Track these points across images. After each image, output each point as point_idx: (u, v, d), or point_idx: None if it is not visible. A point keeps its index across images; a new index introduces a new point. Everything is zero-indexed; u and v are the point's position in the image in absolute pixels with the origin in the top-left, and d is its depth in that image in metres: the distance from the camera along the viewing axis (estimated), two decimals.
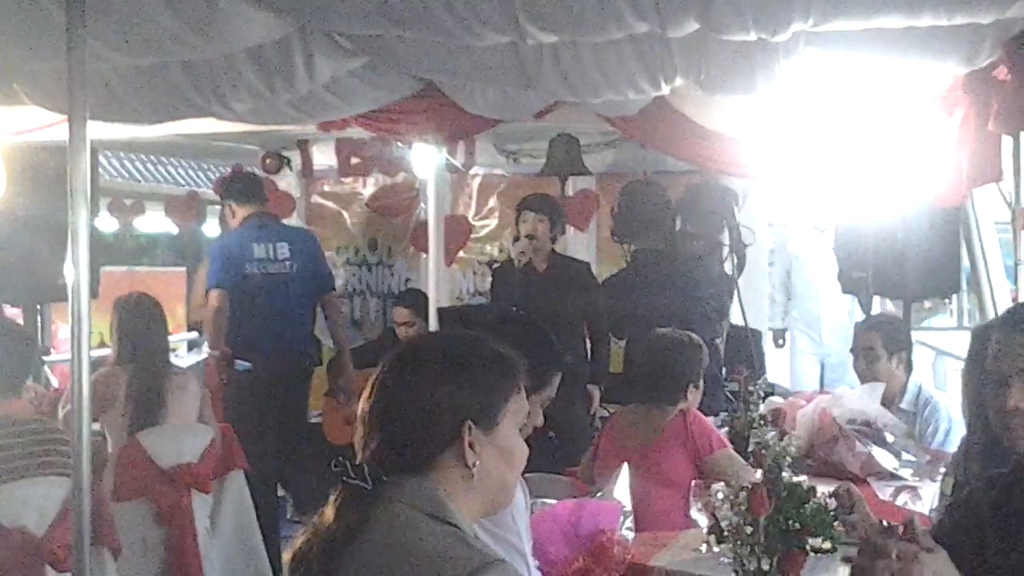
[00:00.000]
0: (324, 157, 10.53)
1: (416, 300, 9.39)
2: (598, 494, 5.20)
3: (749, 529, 4.12)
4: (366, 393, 2.64)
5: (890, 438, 6.00)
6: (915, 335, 7.26)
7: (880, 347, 6.57)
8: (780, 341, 10.32)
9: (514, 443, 2.68)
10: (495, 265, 9.47)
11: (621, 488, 5.19)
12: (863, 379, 6.69)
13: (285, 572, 2.57)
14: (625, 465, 5.32)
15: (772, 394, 6.89)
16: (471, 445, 2.56)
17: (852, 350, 6.88)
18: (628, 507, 5.07)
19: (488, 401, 2.61)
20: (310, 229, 10.01)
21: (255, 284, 8.61)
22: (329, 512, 2.54)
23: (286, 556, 2.57)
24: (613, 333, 8.36)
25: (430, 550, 2.42)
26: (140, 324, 6.91)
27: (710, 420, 6.25)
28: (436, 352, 2.69)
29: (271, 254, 8.72)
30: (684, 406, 5.88)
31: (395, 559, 2.42)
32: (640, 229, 8.54)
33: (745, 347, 8.28)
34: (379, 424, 2.59)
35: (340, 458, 2.54)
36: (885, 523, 4.80)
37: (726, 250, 8.74)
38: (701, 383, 6.01)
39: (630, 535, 4.95)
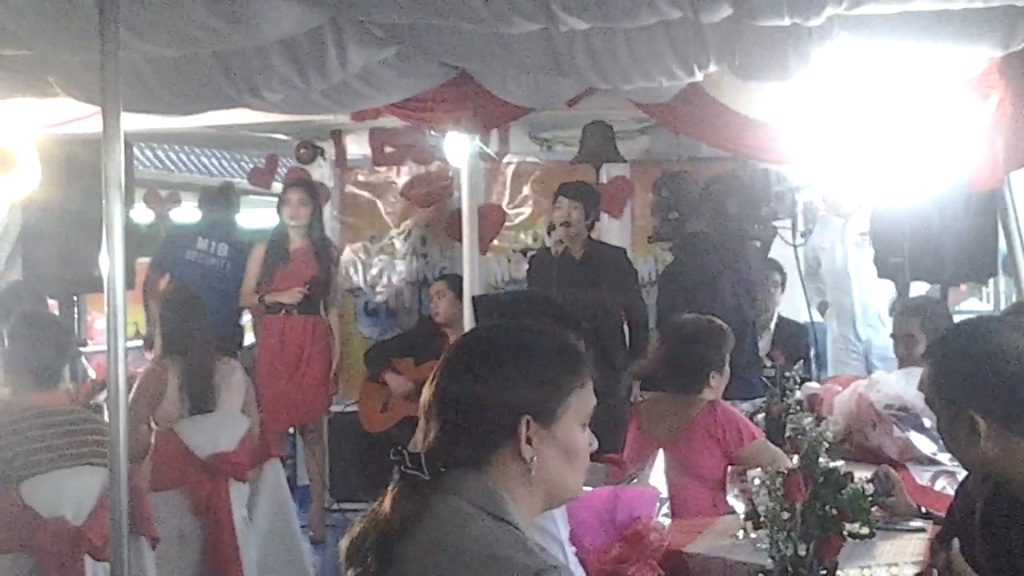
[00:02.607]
0: (358, 147, 10.54)
1: (453, 281, 9.39)
2: (633, 481, 5.19)
3: (786, 515, 4.11)
4: (428, 382, 2.60)
5: (928, 423, 5.96)
6: None
7: (919, 331, 6.51)
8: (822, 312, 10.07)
9: (576, 439, 2.60)
10: (531, 253, 9.45)
11: (656, 475, 5.19)
12: (903, 364, 6.65)
13: (341, 559, 2.54)
14: (661, 451, 5.31)
15: (809, 380, 6.86)
16: (529, 440, 2.50)
17: (892, 335, 6.84)
18: (664, 494, 5.07)
19: (548, 395, 2.55)
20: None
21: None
22: (387, 502, 2.50)
23: (343, 543, 2.52)
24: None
25: (486, 549, 2.37)
26: (184, 317, 6.95)
27: (746, 406, 6.23)
28: (497, 342, 2.64)
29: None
30: (709, 394, 5.84)
31: (451, 555, 2.38)
32: (686, 216, 8.46)
33: (792, 341, 8.22)
34: (438, 414, 2.55)
35: (399, 447, 2.51)
36: (923, 510, 4.84)
37: (771, 232, 8.67)
38: (726, 369, 5.96)
39: (666, 522, 4.95)
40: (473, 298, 8.91)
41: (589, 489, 4.91)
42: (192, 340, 6.87)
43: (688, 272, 8.10)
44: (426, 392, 2.60)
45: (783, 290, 8.78)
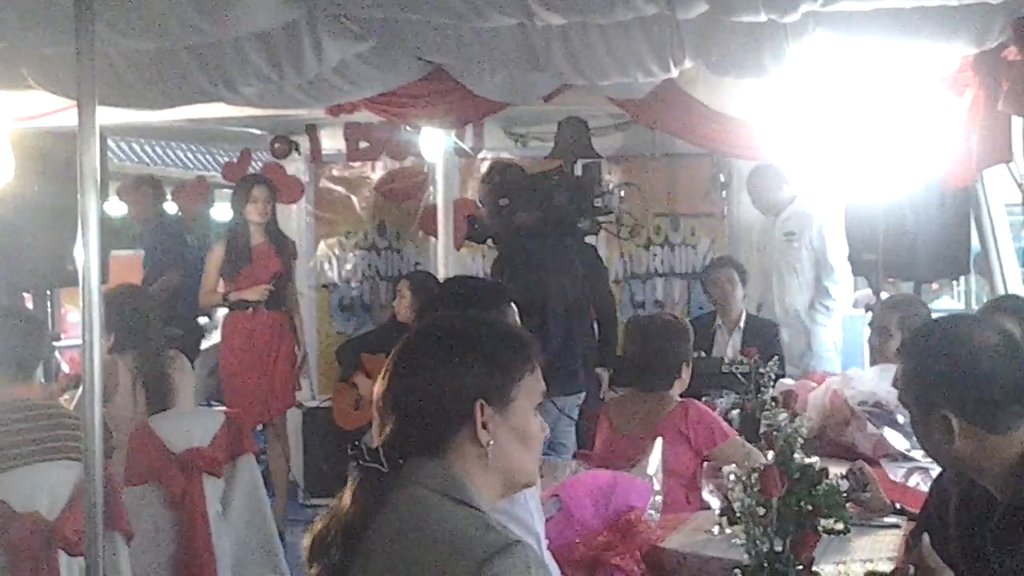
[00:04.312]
0: (333, 141, 10.52)
1: (420, 279, 9.32)
2: (631, 470, 5.20)
3: (761, 510, 4.12)
4: (380, 377, 2.64)
5: (901, 419, 5.97)
6: None
7: (895, 327, 6.52)
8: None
9: (530, 423, 2.65)
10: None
11: (651, 469, 5.20)
12: (874, 354, 6.68)
13: (304, 556, 2.56)
14: (659, 443, 5.31)
15: (783, 376, 6.86)
16: (484, 424, 2.55)
17: (870, 324, 6.86)
18: (658, 487, 5.08)
19: (500, 380, 2.60)
20: None
21: None
22: (347, 496, 2.54)
23: (305, 540, 2.56)
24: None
25: (449, 531, 2.40)
26: (134, 312, 6.92)
27: (722, 401, 6.24)
28: (445, 333, 2.69)
29: None
30: (679, 386, 5.87)
31: (414, 541, 2.41)
32: (516, 206, 8.27)
33: (762, 338, 8.21)
34: (392, 407, 2.59)
35: (356, 442, 2.54)
36: (897, 506, 4.86)
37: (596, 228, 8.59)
38: (691, 362, 5.99)
39: (656, 516, 4.96)
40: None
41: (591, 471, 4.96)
42: (143, 336, 6.85)
43: (516, 264, 7.99)
44: (379, 387, 2.64)
45: (744, 287, 8.75)
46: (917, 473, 5.73)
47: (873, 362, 6.75)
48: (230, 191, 10.24)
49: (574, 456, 6.23)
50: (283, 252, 9.30)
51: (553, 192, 8.13)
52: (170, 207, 11.38)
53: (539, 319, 7.37)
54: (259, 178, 9.64)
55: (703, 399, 6.31)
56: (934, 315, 6.34)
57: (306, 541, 2.56)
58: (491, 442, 2.56)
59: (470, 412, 2.54)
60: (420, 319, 4.11)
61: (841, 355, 9.13)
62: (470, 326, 2.72)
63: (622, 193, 8.80)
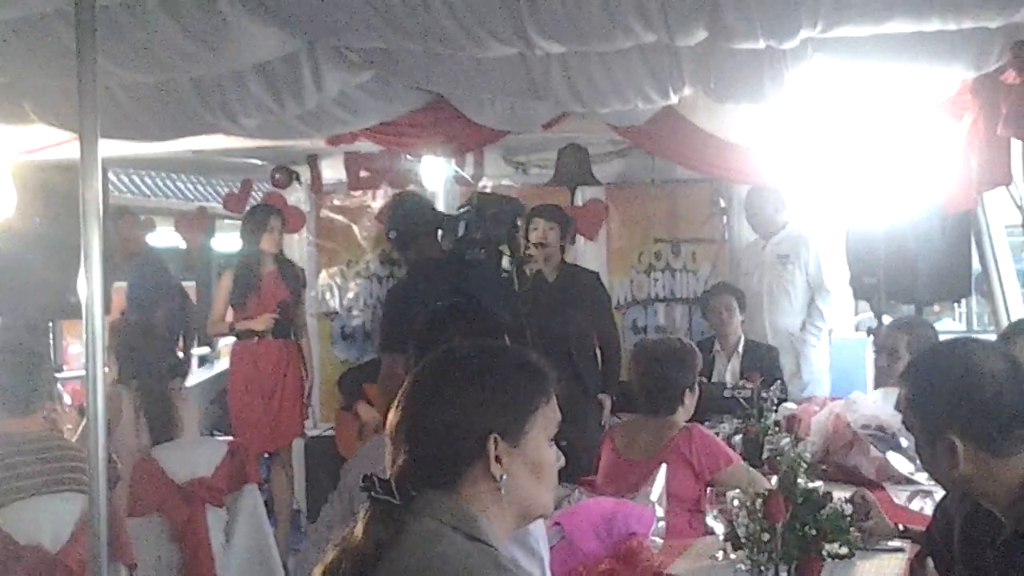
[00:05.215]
0: (333, 171, 10.51)
1: None
2: (634, 497, 5.19)
3: (766, 536, 4.12)
4: (393, 407, 2.61)
5: (905, 443, 5.98)
6: None
7: (904, 349, 6.52)
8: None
9: (544, 454, 2.61)
10: (504, 274, 9.42)
11: (654, 495, 5.19)
12: (880, 375, 6.68)
13: None
14: (663, 470, 5.30)
15: (785, 400, 6.86)
16: (497, 458, 2.51)
17: (875, 347, 6.86)
18: (661, 513, 5.07)
19: (514, 413, 2.56)
20: None
21: None
22: (359, 528, 2.49)
23: (316, 571, 2.51)
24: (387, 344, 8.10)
25: (460, 570, 2.38)
26: (140, 343, 6.96)
27: (725, 427, 6.23)
28: (458, 364, 2.64)
29: None
30: (683, 414, 5.85)
31: None
32: (416, 239, 8.16)
33: (762, 363, 8.20)
34: (405, 439, 2.55)
35: (369, 474, 2.52)
36: (901, 527, 4.85)
37: (505, 259, 8.42)
38: (697, 388, 5.97)
39: (659, 542, 4.95)
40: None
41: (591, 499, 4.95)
42: (147, 368, 6.87)
43: (415, 292, 7.64)
44: (392, 418, 2.60)
45: (742, 313, 8.75)
46: (920, 496, 5.72)
47: (879, 384, 6.74)
48: (231, 222, 10.26)
49: (576, 482, 6.21)
50: (291, 281, 9.37)
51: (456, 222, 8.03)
52: (152, 240, 11.37)
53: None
54: (274, 209, 9.68)
55: (705, 424, 6.31)
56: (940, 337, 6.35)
57: (317, 571, 2.51)
58: (504, 476, 2.52)
59: (483, 447, 2.51)
60: (420, 347, 4.09)
61: (833, 378, 9.13)
62: (485, 357, 2.67)
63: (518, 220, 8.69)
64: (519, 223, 8.15)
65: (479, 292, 7.64)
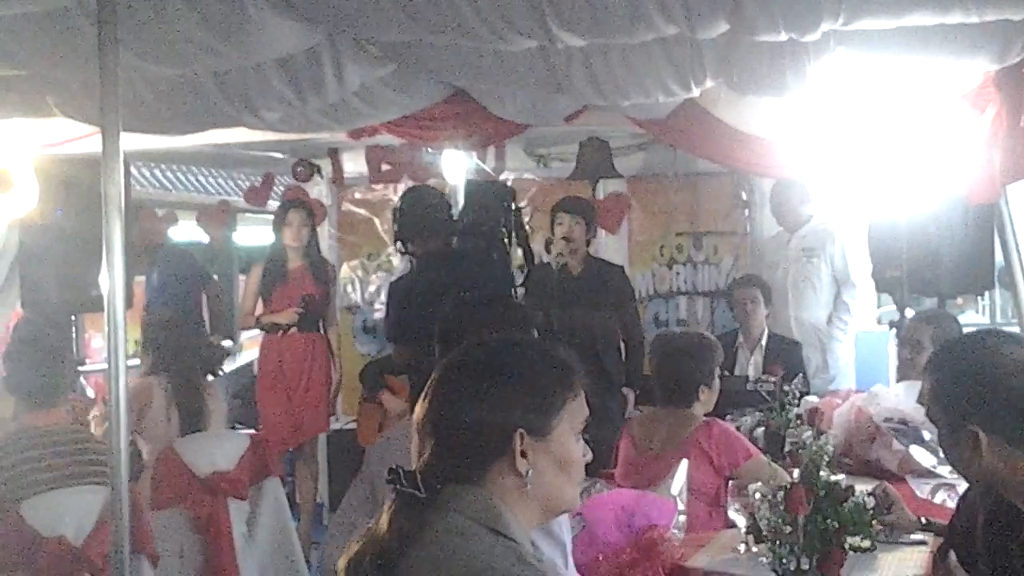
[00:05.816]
0: (355, 164, 10.54)
1: None
2: (654, 490, 5.19)
3: (788, 529, 4.11)
4: (421, 400, 2.61)
5: (927, 435, 5.96)
6: None
7: (928, 341, 6.51)
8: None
9: (571, 450, 2.61)
10: (514, 264, 9.39)
11: (675, 489, 5.19)
12: (903, 368, 6.67)
13: None
14: (684, 464, 5.30)
15: (808, 394, 6.85)
16: (523, 453, 2.51)
17: (899, 339, 6.84)
18: (682, 506, 5.07)
19: (541, 409, 2.55)
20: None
21: None
22: (383, 520, 2.50)
23: (340, 563, 2.51)
24: (392, 336, 8.13)
25: (484, 565, 2.38)
26: (171, 335, 6.99)
27: (746, 419, 6.22)
28: (486, 358, 2.64)
29: None
30: (700, 408, 5.83)
31: (449, 573, 2.38)
32: (420, 232, 8.13)
33: (785, 356, 8.18)
34: (431, 432, 2.55)
35: (395, 467, 2.51)
36: (924, 520, 4.84)
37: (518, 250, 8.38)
38: (716, 383, 5.95)
39: (680, 535, 4.95)
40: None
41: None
42: (178, 360, 6.90)
43: (419, 284, 7.75)
44: (419, 410, 2.60)
45: (767, 306, 8.73)
46: (943, 490, 5.71)
47: (903, 376, 6.73)
48: (252, 216, 10.28)
49: (597, 475, 6.20)
50: (319, 276, 9.38)
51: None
52: (174, 234, 11.39)
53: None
54: (295, 203, 9.71)
55: (727, 418, 6.30)
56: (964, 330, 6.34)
57: (341, 563, 2.51)
58: (530, 471, 2.52)
59: (509, 442, 2.51)
60: (444, 340, 4.09)
61: (857, 371, 9.11)
62: (513, 352, 2.67)
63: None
64: (513, 206, 8.13)
65: (478, 284, 7.65)
